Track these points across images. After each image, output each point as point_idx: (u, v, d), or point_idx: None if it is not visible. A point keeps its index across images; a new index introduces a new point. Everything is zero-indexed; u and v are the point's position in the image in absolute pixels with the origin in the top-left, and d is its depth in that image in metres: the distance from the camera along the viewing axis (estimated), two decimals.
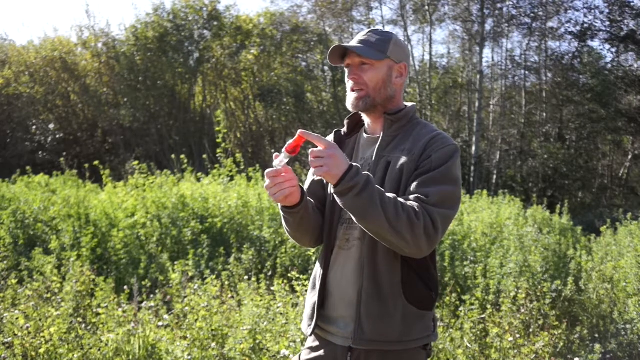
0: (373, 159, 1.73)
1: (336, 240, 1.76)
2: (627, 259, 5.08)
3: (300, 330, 3.28)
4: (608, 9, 17.69)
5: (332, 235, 1.77)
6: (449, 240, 5.76)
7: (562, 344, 3.71)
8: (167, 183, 7.21)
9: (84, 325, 3.45)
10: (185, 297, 3.80)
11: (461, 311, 3.83)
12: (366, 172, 1.55)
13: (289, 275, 4.11)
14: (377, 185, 1.55)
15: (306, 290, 3.96)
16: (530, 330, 3.80)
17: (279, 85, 19.23)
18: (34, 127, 19.91)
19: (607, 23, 17.73)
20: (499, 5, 17.91)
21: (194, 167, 8.80)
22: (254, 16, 20.20)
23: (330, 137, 1.85)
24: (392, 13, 19.75)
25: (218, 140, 7.16)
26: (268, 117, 20.53)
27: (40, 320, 3.23)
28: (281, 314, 3.48)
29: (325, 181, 1.84)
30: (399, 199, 1.56)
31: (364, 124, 1.85)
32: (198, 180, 7.77)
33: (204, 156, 8.21)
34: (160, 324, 3.56)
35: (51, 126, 20.07)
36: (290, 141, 1.54)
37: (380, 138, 1.75)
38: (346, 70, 1.77)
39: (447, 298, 4.13)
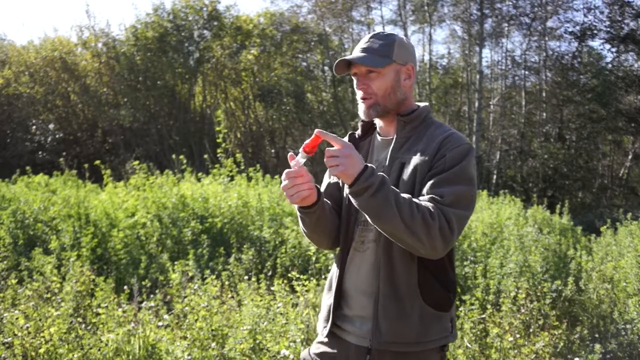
0: (387, 160, 1.73)
1: (352, 241, 1.76)
2: (627, 259, 5.08)
3: (300, 330, 3.29)
4: (608, 9, 17.69)
5: (348, 237, 1.77)
6: None
7: (562, 344, 3.70)
8: (167, 183, 7.20)
9: (84, 325, 3.45)
10: (185, 297, 3.79)
11: (461, 311, 3.83)
12: (381, 173, 1.54)
13: (289, 275, 4.11)
14: (392, 186, 1.54)
15: (306, 290, 3.97)
16: (530, 330, 3.80)
17: (279, 85, 19.23)
18: (34, 127, 19.91)
19: (607, 23, 17.74)
20: (498, 5, 17.91)
21: (194, 167, 8.80)
22: (254, 16, 20.23)
23: (345, 140, 1.85)
24: (392, 13, 19.71)
25: (218, 140, 7.16)
26: (268, 117, 20.53)
27: (40, 320, 3.23)
28: (281, 314, 3.48)
29: (341, 183, 1.84)
30: (414, 200, 1.55)
31: (377, 126, 1.85)
32: (198, 180, 7.77)
33: (205, 156, 8.19)
34: (160, 324, 3.56)
35: (51, 126, 20.07)
36: (307, 141, 1.54)
37: (394, 140, 1.74)
38: (354, 78, 1.76)
39: None
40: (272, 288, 3.95)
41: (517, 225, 6.60)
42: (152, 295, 4.43)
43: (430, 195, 1.58)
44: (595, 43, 20.92)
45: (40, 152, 19.34)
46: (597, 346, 3.54)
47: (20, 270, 4.59)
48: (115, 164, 17.07)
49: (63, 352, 3.05)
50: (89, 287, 3.84)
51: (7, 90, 19.53)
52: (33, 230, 5.79)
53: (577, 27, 17.92)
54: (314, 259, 5.11)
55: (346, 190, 1.78)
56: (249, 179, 7.75)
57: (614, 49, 18.27)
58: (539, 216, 8.12)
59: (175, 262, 4.53)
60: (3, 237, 5.20)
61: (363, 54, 1.71)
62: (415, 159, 1.67)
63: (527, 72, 19.03)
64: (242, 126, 21.36)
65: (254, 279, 4.38)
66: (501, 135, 18.55)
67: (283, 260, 5.20)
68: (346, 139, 1.84)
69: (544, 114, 18.70)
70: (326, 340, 1.79)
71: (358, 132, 1.87)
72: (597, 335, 4.29)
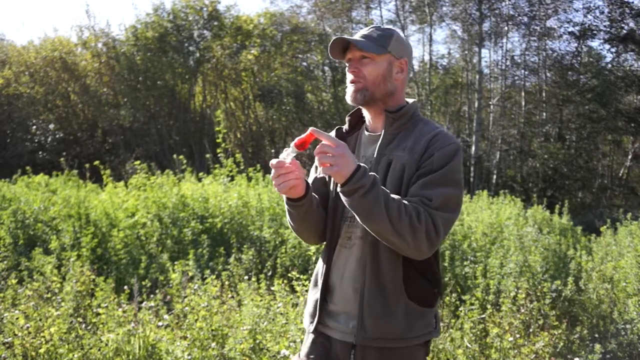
0: (374, 157, 1.73)
1: (339, 237, 1.77)
2: (627, 259, 5.09)
3: (300, 330, 3.29)
4: (608, 9, 17.69)
5: (334, 233, 1.78)
6: (449, 240, 5.76)
7: (562, 344, 3.70)
8: (168, 183, 7.20)
9: (84, 325, 3.45)
10: (185, 297, 3.79)
11: (461, 311, 3.83)
12: (372, 173, 1.55)
13: (289, 275, 4.11)
14: (382, 187, 1.55)
15: (306, 290, 3.96)
16: (530, 330, 3.80)
17: (279, 85, 19.23)
18: (34, 127, 19.91)
19: (607, 23, 17.73)
20: (497, 5, 17.91)
21: (194, 167, 8.79)
22: (254, 16, 20.23)
23: (333, 132, 1.85)
24: (391, 14, 19.70)
25: (218, 141, 7.16)
26: (268, 117, 20.53)
27: (40, 320, 3.23)
28: (281, 314, 3.48)
29: (327, 178, 1.84)
30: (403, 201, 1.56)
31: (365, 121, 1.85)
32: (199, 180, 7.77)
33: (207, 155, 8.19)
34: (160, 324, 3.56)
35: (51, 126, 20.07)
36: (301, 136, 1.56)
37: (382, 136, 1.74)
38: (347, 65, 1.77)
39: (447, 298, 4.13)
40: (272, 288, 3.95)
41: (517, 225, 6.60)
42: (152, 295, 4.43)
43: (419, 197, 1.59)
44: (595, 43, 20.90)
45: (40, 152, 19.34)
46: (597, 346, 3.54)
47: (21, 270, 4.59)
48: (115, 164, 17.08)
49: (63, 352, 3.06)
50: (89, 287, 3.84)
51: (7, 90, 19.53)
52: (33, 230, 5.79)
53: (577, 27, 17.93)
54: (314, 258, 5.11)
55: (332, 186, 1.79)
56: (249, 179, 7.75)
57: (613, 49, 18.28)
58: (538, 216, 8.13)
59: (175, 262, 4.53)
60: (3, 237, 5.20)
61: (361, 39, 1.74)
62: (403, 157, 1.68)
63: (526, 72, 19.04)
64: (242, 126, 21.36)
65: (254, 279, 4.38)
66: (501, 135, 18.55)
67: (283, 260, 5.20)
68: (333, 133, 1.85)
69: (544, 114, 18.70)
70: (314, 339, 1.81)
71: (345, 126, 1.87)
72: (597, 335, 4.29)
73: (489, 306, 3.97)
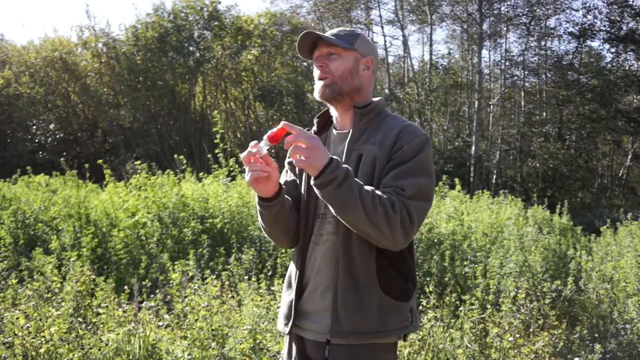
0: (344, 153, 1.74)
1: (312, 235, 1.77)
2: (627, 259, 5.09)
3: None
4: (607, 9, 17.70)
5: (307, 231, 1.78)
6: (449, 240, 5.77)
7: (562, 343, 3.71)
8: (168, 183, 7.20)
9: (84, 325, 3.45)
10: (186, 297, 3.79)
11: (461, 311, 3.83)
12: (346, 165, 1.57)
13: None
14: (355, 179, 1.57)
15: None
16: (530, 330, 3.80)
17: (279, 85, 19.24)
18: (34, 127, 19.91)
19: (607, 23, 17.75)
20: (496, 6, 17.92)
21: (194, 167, 8.78)
22: (254, 16, 20.23)
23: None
24: (391, 14, 19.70)
25: (216, 141, 7.15)
26: (268, 117, 20.53)
27: (40, 320, 3.23)
28: None
29: (298, 180, 1.86)
30: (377, 192, 1.58)
31: (333, 121, 1.87)
32: (199, 180, 7.76)
33: (209, 155, 8.18)
34: (160, 323, 3.56)
35: (51, 126, 20.08)
36: (273, 130, 1.56)
37: (351, 132, 1.76)
38: (314, 63, 1.80)
39: (447, 298, 4.13)
40: (272, 288, 3.96)
41: (517, 225, 6.60)
42: (152, 295, 4.43)
43: (392, 188, 1.61)
44: (595, 43, 20.92)
45: (40, 152, 19.34)
46: (597, 346, 3.55)
47: (21, 270, 4.59)
48: (115, 164, 17.06)
49: (63, 352, 3.06)
50: (89, 287, 3.84)
51: (8, 91, 19.54)
52: (33, 230, 5.80)
53: (577, 27, 17.94)
54: None
55: (304, 186, 1.80)
56: None
57: (613, 49, 18.29)
58: (539, 216, 8.12)
59: (176, 262, 4.53)
60: (3, 237, 5.20)
61: (328, 36, 1.77)
62: (373, 150, 1.70)
63: (526, 72, 19.05)
64: (242, 126, 21.36)
65: (254, 279, 4.38)
66: (501, 135, 18.56)
67: (283, 260, 5.20)
68: None
69: (544, 114, 18.71)
70: (290, 342, 1.81)
71: (314, 128, 1.88)
72: (596, 335, 4.29)
73: (488, 306, 3.97)
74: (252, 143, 1.58)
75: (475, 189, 13.33)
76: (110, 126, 19.14)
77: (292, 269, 1.84)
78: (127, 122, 18.43)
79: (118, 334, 3.25)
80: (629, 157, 18.94)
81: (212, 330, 3.29)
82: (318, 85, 1.77)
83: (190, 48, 19.50)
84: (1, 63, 20.39)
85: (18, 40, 36.35)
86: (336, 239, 1.70)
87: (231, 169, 7.46)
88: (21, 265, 4.67)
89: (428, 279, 4.86)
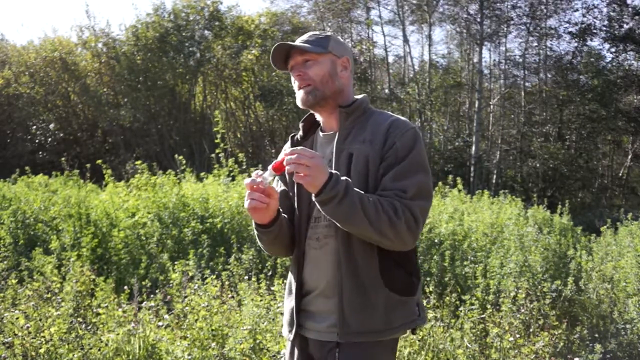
0: (334, 153, 1.73)
1: (307, 239, 1.77)
2: (627, 259, 5.09)
3: None
4: (607, 9, 17.71)
5: (302, 237, 1.78)
6: (449, 240, 5.76)
7: (562, 344, 3.71)
8: (168, 183, 7.20)
9: (84, 325, 3.45)
10: (186, 297, 3.79)
11: (461, 311, 3.83)
12: (345, 178, 1.57)
13: None
14: (355, 189, 1.57)
15: None
16: (530, 330, 3.80)
17: (279, 85, 19.23)
18: (34, 127, 19.91)
19: (606, 22, 17.74)
20: (497, 5, 17.91)
21: (194, 167, 8.78)
22: (255, 16, 20.22)
23: (287, 144, 1.85)
24: (391, 14, 19.70)
25: (217, 141, 7.15)
26: (268, 117, 20.53)
27: (40, 320, 3.23)
28: (281, 313, 3.47)
29: (288, 188, 1.85)
30: (379, 199, 1.58)
31: (319, 125, 1.86)
32: (200, 180, 7.76)
33: (212, 155, 8.18)
34: (160, 324, 3.56)
35: (51, 126, 20.07)
36: (277, 160, 1.57)
37: (338, 132, 1.75)
38: (291, 74, 1.79)
39: (447, 298, 4.13)
40: (272, 288, 3.95)
41: (517, 225, 6.60)
42: (152, 295, 4.43)
43: (393, 191, 1.61)
44: (595, 43, 20.91)
45: (40, 152, 19.34)
46: (597, 346, 3.55)
47: (21, 270, 4.59)
48: (115, 164, 17.06)
49: (63, 352, 3.06)
50: (89, 287, 3.84)
51: (7, 91, 19.53)
52: (33, 230, 5.79)
53: (577, 27, 17.93)
54: None
55: (295, 192, 1.80)
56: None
57: (613, 49, 18.29)
58: (539, 216, 8.12)
59: (176, 262, 4.52)
60: (3, 237, 5.20)
61: (301, 43, 1.77)
62: (363, 149, 1.69)
63: (526, 72, 19.04)
64: (243, 126, 21.36)
65: (254, 279, 4.38)
66: (501, 135, 18.56)
67: (283, 260, 5.20)
68: (288, 143, 1.86)
69: (544, 114, 18.70)
70: (295, 344, 1.80)
71: (300, 133, 1.87)
72: (597, 335, 4.29)
73: (489, 306, 3.97)
74: (257, 172, 1.60)
75: (475, 189, 13.33)
76: (110, 126, 19.13)
77: (291, 276, 1.84)
78: (127, 122, 18.42)
79: (118, 334, 3.25)
80: (629, 157, 18.94)
81: (212, 330, 3.29)
82: (300, 94, 1.76)
83: (191, 48, 19.49)
84: (1, 63, 20.38)
85: (18, 40, 36.36)
86: (336, 242, 1.70)
87: (231, 169, 7.46)
88: (21, 265, 4.67)
89: (428, 279, 4.86)
